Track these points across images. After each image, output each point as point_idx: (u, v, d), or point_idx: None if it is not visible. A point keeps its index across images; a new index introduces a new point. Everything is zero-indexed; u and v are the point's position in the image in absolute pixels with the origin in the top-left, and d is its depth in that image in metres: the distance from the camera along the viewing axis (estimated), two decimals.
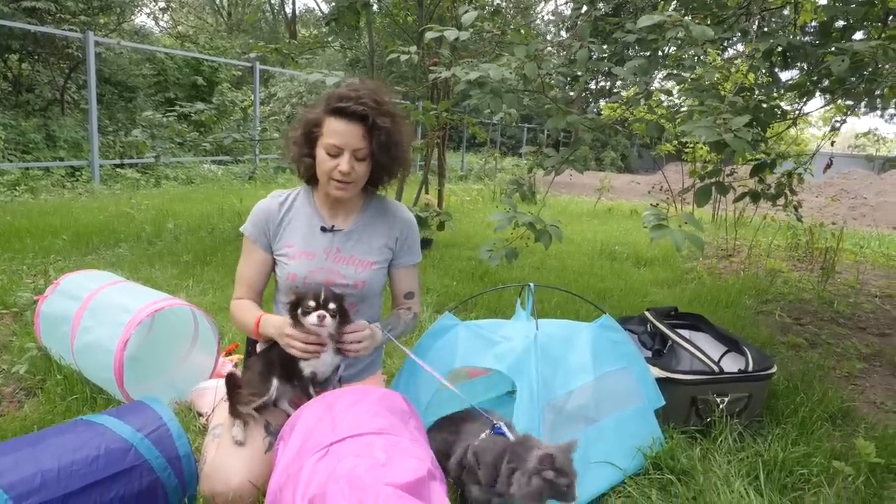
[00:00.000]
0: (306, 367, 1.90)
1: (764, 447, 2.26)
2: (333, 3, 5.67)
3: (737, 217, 8.56)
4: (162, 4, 23.45)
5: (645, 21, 2.13)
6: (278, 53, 5.83)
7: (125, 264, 4.41)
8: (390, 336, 2.05)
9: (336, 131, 1.90)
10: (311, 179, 2.11)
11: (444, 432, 1.96)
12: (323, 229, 2.06)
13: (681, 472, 2.09)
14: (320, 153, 1.94)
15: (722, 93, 2.75)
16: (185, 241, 5.29)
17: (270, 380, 1.90)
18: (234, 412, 1.85)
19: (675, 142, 8.91)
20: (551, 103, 2.87)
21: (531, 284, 2.32)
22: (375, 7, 6.03)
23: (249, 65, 11.46)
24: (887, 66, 2.99)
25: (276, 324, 1.92)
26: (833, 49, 2.60)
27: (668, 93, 3.10)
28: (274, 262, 2.10)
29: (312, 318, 1.80)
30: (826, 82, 3.40)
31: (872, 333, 4.13)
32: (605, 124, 2.87)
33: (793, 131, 9.69)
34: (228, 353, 2.82)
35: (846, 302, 4.81)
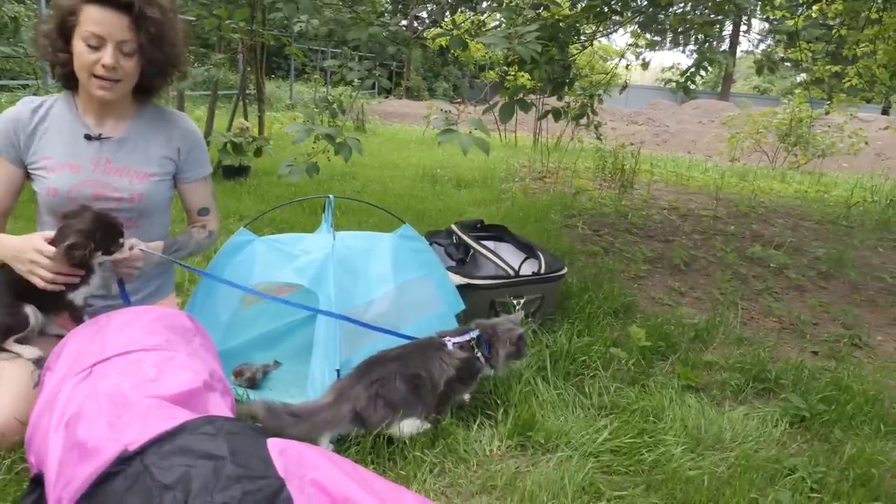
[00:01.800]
0: (77, 297, 1.71)
1: (552, 340, 2.46)
2: None
3: (555, 142, 9.09)
4: None
5: None
6: None
7: None
8: (171, 258, 1.90)
9: (95, 19, 1.66)
10: (68, 83, 1.85)
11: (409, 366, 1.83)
12: (88, 137, 1.82)
13: None
14: (78, 45, 1.69)
15: (521, 7, 2.79)
16: None
17: (19, 308, 1.67)
18: None
19: (499, 70, 9.13)
20: (354, 14, 2.76)
21: (331, 196, 2.27)
22: None
23: None
24: None
25: (13, 245, 1.64)
26: None
27: (473, 9, 3.11)
28: (26, 179, 1.84)
29: (125, 252, 1.69)
30: (619, 7, 3.61)
31: (658, 240, 4.63)
32: (408, 38, 2.82)
33: (600, 64, 10.34)
34: None
35: (639, 214, 5.33)
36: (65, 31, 1.72)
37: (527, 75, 5.41)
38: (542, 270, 2.64)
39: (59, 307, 1.72)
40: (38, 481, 1.28)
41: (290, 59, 16.53)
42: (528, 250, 2.90)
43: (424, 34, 3.50)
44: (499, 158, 7.77)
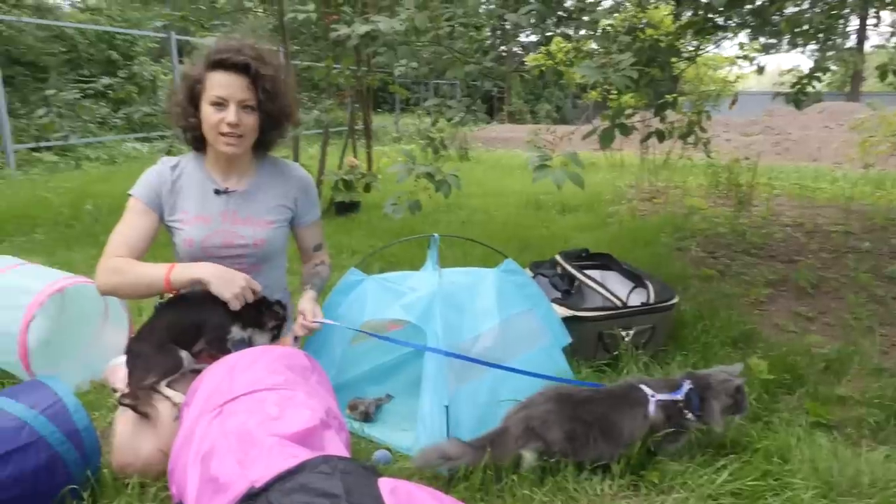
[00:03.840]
0: (236, 334, 1.94)
1: (665, 373, 2.38)
2: None
3: (663, 160, 8.79)
4: None
5: None
6: (185, 21, 5.59)
7: (40, 249, 4.24)
8: (346, 326, 2.15)
9: (219, 83, 1.88)
10: (198, 145, 2.06)
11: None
12: (217, 192, 2.03)
13: None
14: (206, 109, 1.91)
15: (614, 33, 2.78)
16: (105, 221, 5.09)
17: (176, 352, 1.87)
18: (141, 395, 1.82)
19: (600, 90, 8.98)
20: (449, 53, 2.86)
21: (435, 235, 2.34)
22: None
23: (165, 35, 10.93)
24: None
25: (216, 271, 1.86)
26: None
27: (567, 37, 3.13)
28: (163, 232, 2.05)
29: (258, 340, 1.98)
30: (722, 20, 3.49)
31: (781, 261, 4.35)
32: (504, 72, 2.88)
33: (709, 73, 9.92)
34: None
35: (759, 233, 5.04)
36: (194, 98, 1.94)
37: (627, 93, 5.32)
38: (652, 300, 2.57)
39: (212, 348, 1.92)
40: None
41: (395, 93, 17.20)
42: (636, 279, 2.83)
43: (522, 62, 3.55)
44: (604, 180, 7.63)
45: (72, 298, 2.62)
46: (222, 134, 1.91)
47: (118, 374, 2.36)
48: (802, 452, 1.88)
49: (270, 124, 2.01)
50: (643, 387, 1.87)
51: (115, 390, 2.35)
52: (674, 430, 1.83)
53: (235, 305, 1.85)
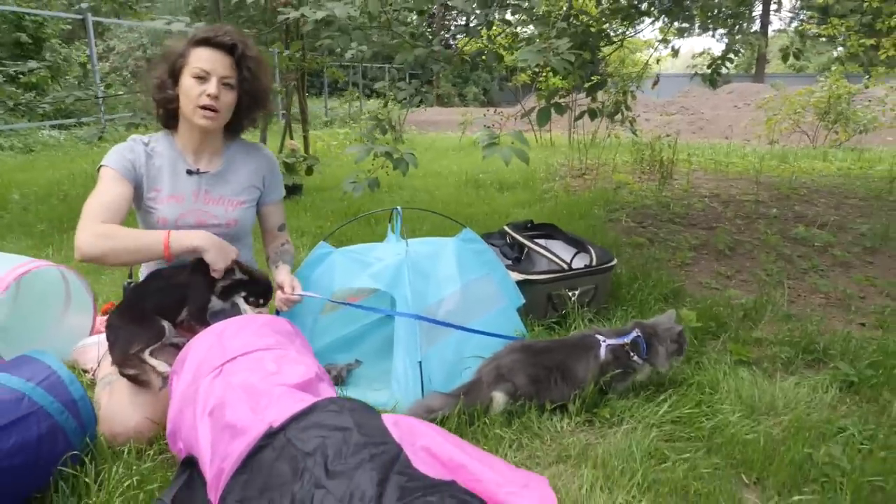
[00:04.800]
0: (216, 304, 2.04)
1: (608, 326, 2.63)
2: None
3: (590, 140, 9.19)
4: None
5: None
6: (112, 2, 5.44)
7: None
8: (327, 298, 2.30)
9: (203, 57, 1.96)
10: (169, 122, 2.12)
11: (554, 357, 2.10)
12: (189, 172, 2.09)
13: None
14: (186, 81, 1.96)
15: (552, 19, 2.97)
16: (36, 210, 4.95)
17: (159, 322, 1.95)
18: (130, 363, 1.89)
19: (530, 72, 9.29)
20: (399, 38, 2.99)
21: (398, 208, 2.50)
22: None
23: (80, 17, 10.41)
24: None
25: (212, 240, 1.94)
26: None
27: (508, 23, 3.31)
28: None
29: (247, 309, 2.05)
30: (644, 6, 3.76)
31: (702, 228, 4.74)
32: (450, 55, 3.05)
33: (631, 56, 10.38)
34: (105, 314, 2.80)
35: (680, 204, 5.44)
36: (174, 72, 2.01)
37: (555, 75, 5.57)
38: (594, 263, 2.82)
39: (193, 319, 2.01)
40: (186, 463, 1.54)
41: (324, 76, 17.01)
42: (578, 245, 3.08)
43: (458, 45, 3.72)
44: (537, 159, 7.93)
45: (28, 284, 2.60)
46: (201, 107, 1.97)
47: (88, 354, 2.42)
48: (728, 384, 2.17)
49: (247, 105, 2.10)
50: (596, 335, 2.12)
51: (84, 371, 2.40)
52: (622, 370, 2.07)
53: (219, 275, 1.95)
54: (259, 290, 2.06)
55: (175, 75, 2.00)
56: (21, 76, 6.32)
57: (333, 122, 14.98)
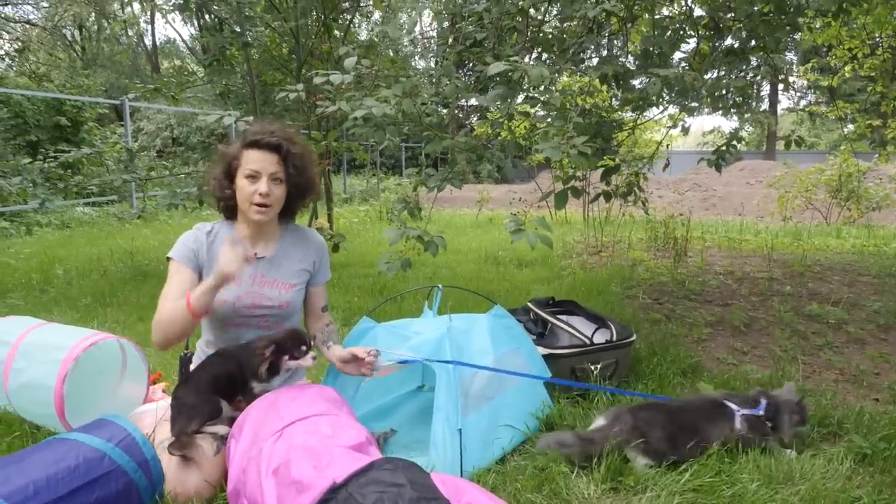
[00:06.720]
0: (257, 388, 2.17)
1: (630, 399, 2.77)
2: (207, 42, 5.82)
3: (604, 217, 9.46)
4: (17, 45, 21.80)
5: (493, 69, 2.61)
6: (158, 93, 5.90)
7: (21, 313, 4.32)
8: (410, 356, 2.41)
9: (253, 159, 2.22)
10: (229, 214, 2.38)
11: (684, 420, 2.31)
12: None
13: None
14: (240, 181, 2.23)
15: (569, 113, 3.26)
16: (79, 284, 5.22)
17: (215, 400, 2.13)
18: (180, 442, 2.03)
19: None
20: (429, 130, 3.29)
21: (440, 286, 2.71)
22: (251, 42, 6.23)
23: (117, 102, 11.13)
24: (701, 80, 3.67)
25: (205, 280, 2.09)
26: (650, 72, 3.21)
27: (527, 114, 3.62)
28: None
29: (308, 360, 2.18)
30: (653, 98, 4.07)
31: (717, 304, 4.88)
32: (476, 144, 3.33)
33: (643, 136, 10.79)
34: (154, 382, 2.98)
35: (696, 281, 5.61)
36: (230, 172, 2.28)
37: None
38: (615, 338, 2.98)
39: (244, 396, 2.18)
40: None
41: (343, 153, 17.70)
42: (599, 321, 3.25)
43: (473, 126, 4.03)
44: (554, 237, 8.16)
45: (89, 354, 2.81)
46: (254, 204, 2.24)
47: (144, 420, 2.58)
48: (747, 455, 2.29)
49: (296, 195, 2.36)
50: (725, 402, 2.34)
51: None
52: (756, 437, 2.28)
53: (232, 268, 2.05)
54: (297, 342, 2.19)
55: (231, 175, 2.27)
56: (57, 156, 6.75)
57: (353, 198, 15.48)
